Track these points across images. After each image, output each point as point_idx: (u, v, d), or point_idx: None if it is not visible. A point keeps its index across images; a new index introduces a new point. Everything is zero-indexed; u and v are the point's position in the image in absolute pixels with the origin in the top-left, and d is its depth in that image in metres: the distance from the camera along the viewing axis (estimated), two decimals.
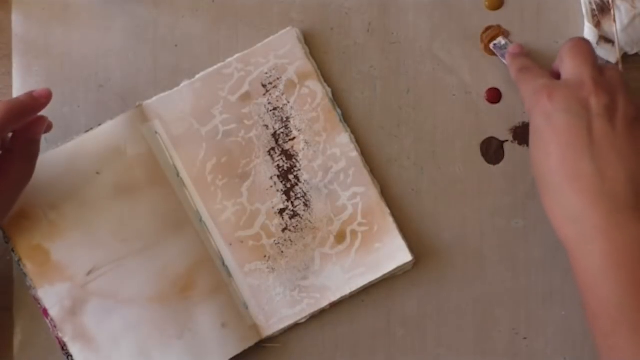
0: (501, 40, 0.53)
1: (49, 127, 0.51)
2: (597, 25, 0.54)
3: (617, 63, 0.53)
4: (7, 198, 0.49)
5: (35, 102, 0.48)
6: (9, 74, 0.54)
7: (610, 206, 0.44)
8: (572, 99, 0.46)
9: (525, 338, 0.53)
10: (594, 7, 0.54)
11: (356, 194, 0.53)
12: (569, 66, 0.48)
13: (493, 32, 0.53)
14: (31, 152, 0.49)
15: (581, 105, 0.46)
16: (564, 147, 0.46)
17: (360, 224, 0.53)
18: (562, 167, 0.46)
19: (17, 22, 0.54)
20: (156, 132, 0.53)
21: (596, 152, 0.45)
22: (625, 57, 0.54)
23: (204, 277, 0.52)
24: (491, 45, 0.54)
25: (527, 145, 0.54)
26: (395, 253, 0.52)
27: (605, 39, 0.53)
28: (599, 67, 0.48)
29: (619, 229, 0.44)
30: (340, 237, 0.53)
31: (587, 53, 0.48)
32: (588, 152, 0.45)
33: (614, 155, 0.45)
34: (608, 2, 0.53)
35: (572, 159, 0.45)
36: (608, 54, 0.53)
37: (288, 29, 0.53)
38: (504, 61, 0.53)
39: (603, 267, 0.44)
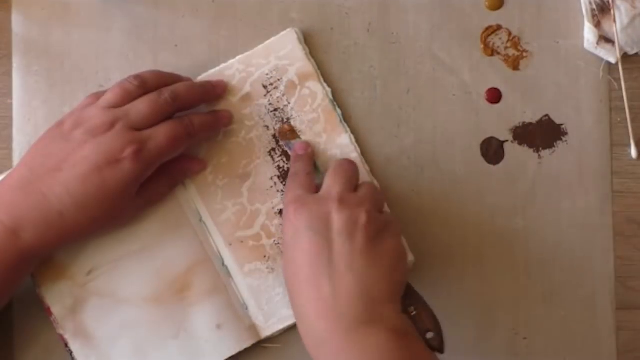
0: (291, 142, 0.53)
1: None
2: (597, 25, 0.54)
3: (617, 63, 0.53)
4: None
5: (217, 123, 0.52)
6: (9, 74, 0.54)
7: (347, 326, 0.43)
8: (315, 215, 0.45)
9: (525, 338, 0.53)
10: (594, 7, 0.54)
11: None
12: (325, 183, 0.47)
13: (290, 134, 0.52)
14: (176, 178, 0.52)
15: (323, 222, 0.45)
16: (308, 267, 0.44)
17: None
18: (306, 288, 0.44)
19: (17, 22, 0.54)
20: None
21: (334, 272, 0.44)
22: (625, 57, 0.54)
23: (201, 279, 0.52)
24: (283, 144, 0.52)
25: (527, 146, 0.54)
26: None
27: (605, 39, 0.53)
28: (356, 186, 0.48)
29: (357, 347, 0.43)
30: None
31: (347, 172, 0.48)
32: (327, 272, 0.44)
33: (350, 274, 0.44)
34: (608, 2, 0.53)
35: (314, 280, 0.44)
36: (608, 54, 0.53)
37: (288, 30, 0.53)
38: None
39: None
